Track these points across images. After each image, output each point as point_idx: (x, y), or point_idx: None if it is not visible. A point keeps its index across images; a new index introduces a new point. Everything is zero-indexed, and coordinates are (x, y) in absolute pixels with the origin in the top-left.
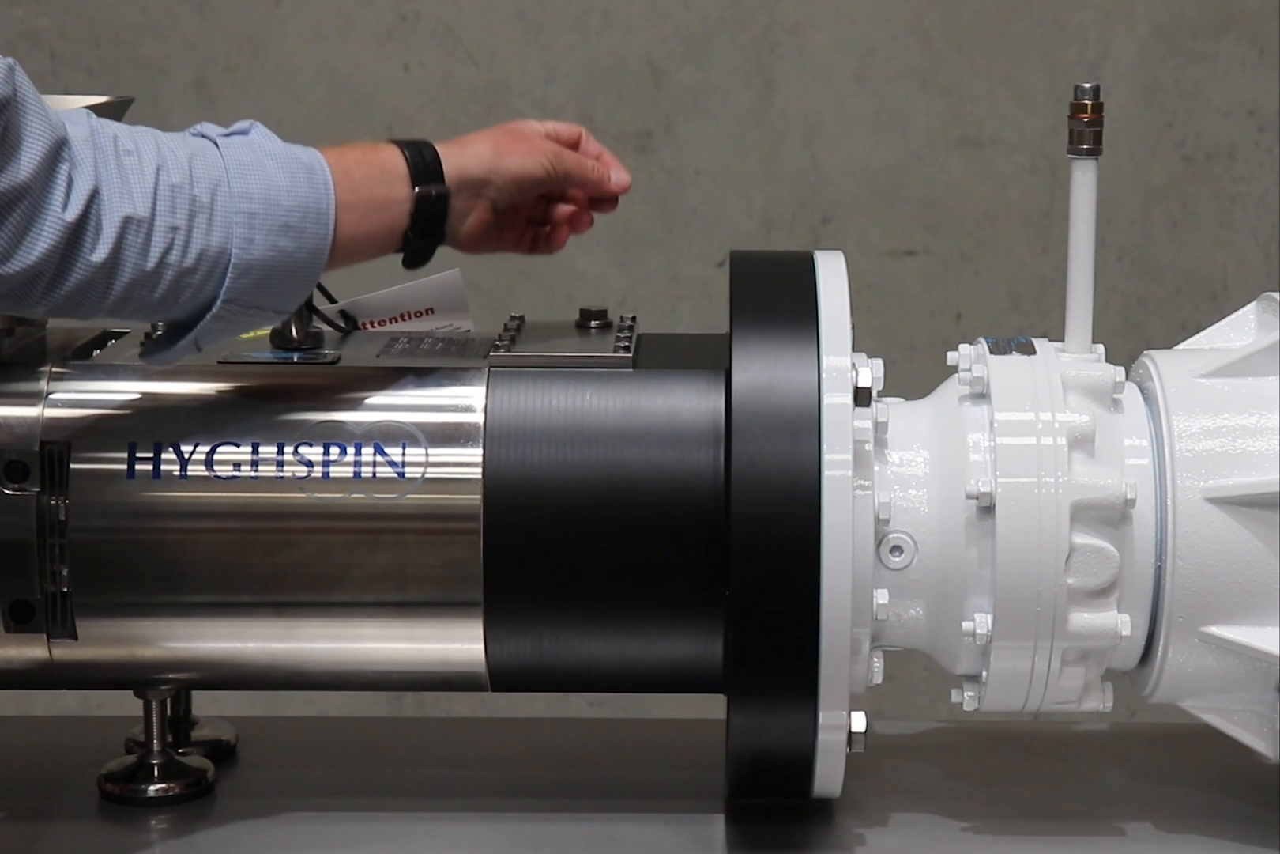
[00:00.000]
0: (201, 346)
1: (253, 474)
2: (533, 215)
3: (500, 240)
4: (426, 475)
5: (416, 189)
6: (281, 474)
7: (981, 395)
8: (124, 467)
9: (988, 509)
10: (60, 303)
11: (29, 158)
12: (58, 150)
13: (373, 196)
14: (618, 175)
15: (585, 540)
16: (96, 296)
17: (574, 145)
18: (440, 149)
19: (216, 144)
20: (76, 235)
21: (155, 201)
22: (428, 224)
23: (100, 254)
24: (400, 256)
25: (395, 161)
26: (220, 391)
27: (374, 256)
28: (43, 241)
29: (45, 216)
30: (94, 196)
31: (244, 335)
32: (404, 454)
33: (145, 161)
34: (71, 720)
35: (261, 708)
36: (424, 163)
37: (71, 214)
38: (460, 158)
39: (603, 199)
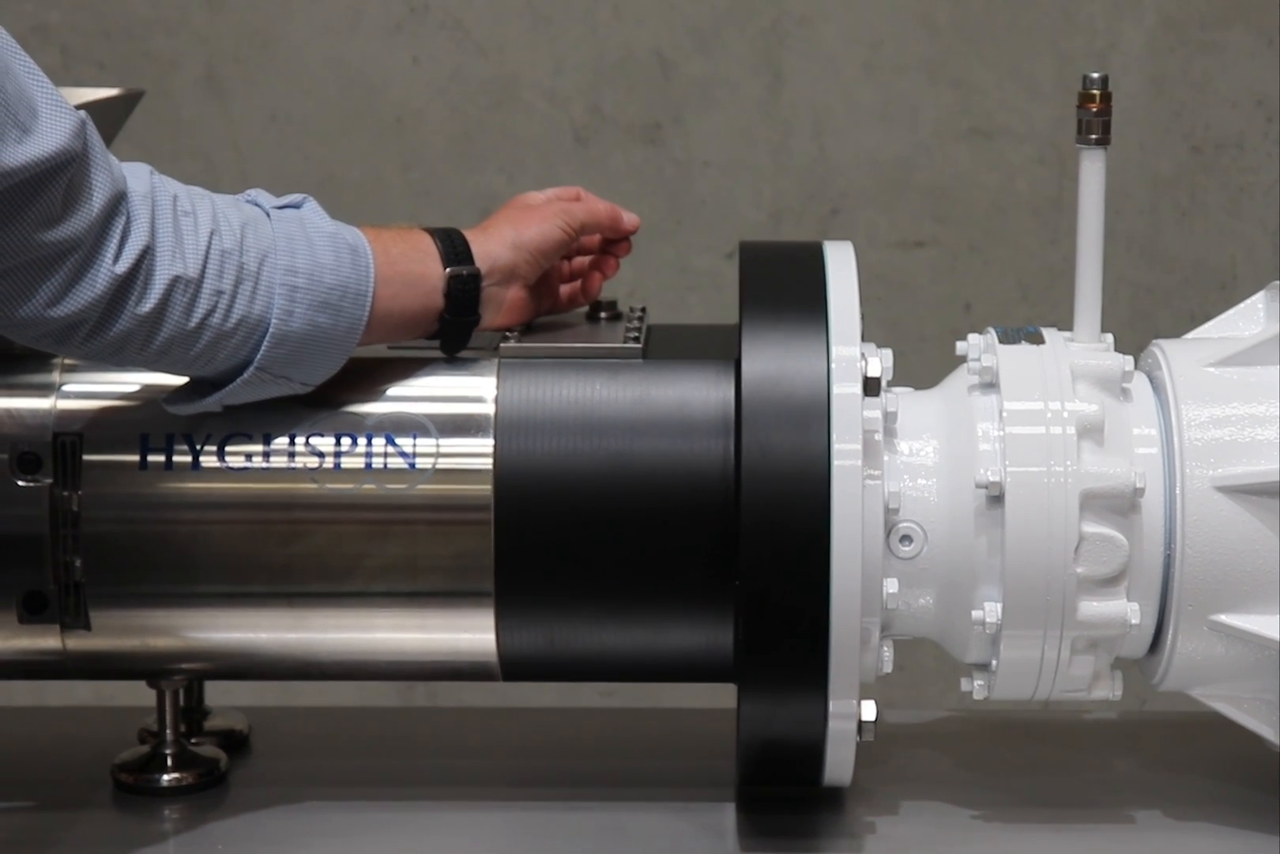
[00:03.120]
0: (224, 406)
1: (264, 465)
2: (562, 278)
3: (539, 309)
4: (437, 466)
5: (448, 269)
6: (293, 465)
7: (991, 385)
8: (136, 458)
9: (997, 498)
10: (100, 349)
11: (89, 210)
12: (116, 203)
13: (409, 272)
14: (627, 215)
15: (596, 530)
16: (135, 347)
17: (575, 201)
18: (467, 235)
19: (269, 215)
20: (125, 287)
21: (205, 264)
22: (461, 304)
23: (146, 307)
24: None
25: (428, 243)
26: None
27: (408, 337)
28: (91, 291)
29: (97, 267)
30: (146, 252)
31: None
32: (415, 445)
33: (201, 224)
34: (85, 711)
35: (273, 698)
36: (453, 245)
37: (123, 267)
38: (486, 243)
39: (618, 240)
